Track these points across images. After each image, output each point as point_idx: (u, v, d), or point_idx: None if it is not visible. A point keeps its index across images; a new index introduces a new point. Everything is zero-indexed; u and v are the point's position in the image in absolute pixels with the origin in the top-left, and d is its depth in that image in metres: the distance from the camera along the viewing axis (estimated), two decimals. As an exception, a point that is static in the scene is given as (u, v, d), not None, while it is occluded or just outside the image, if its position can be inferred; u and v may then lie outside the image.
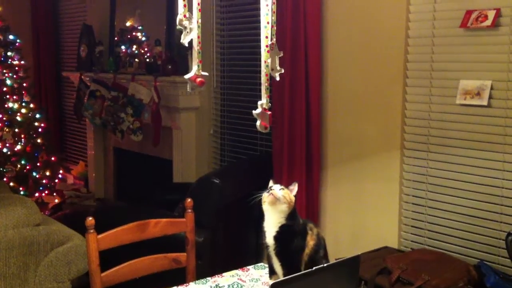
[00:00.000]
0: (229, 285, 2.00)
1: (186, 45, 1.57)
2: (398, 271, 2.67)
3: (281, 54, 1.75)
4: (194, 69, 1.60)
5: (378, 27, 3.15)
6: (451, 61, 2.88)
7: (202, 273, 2.24)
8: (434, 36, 2.93)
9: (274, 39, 1.74)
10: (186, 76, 1.60)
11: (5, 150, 5.05)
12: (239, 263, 2.32)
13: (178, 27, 1.53)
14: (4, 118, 5.09)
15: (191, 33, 1.54)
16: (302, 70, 3.36)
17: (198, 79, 1.61)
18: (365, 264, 2.80)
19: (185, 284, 2.02)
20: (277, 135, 3.53)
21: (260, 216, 1.93)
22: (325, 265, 1.52)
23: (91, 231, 2.05)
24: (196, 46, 1.59)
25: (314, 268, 1.48)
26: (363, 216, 3.32)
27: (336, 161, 3.44)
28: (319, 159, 3.44)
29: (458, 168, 2.90)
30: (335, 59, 3.38)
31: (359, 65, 3.26)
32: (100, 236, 2.07)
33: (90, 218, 2.04)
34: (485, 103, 2.73)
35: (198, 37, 1.58)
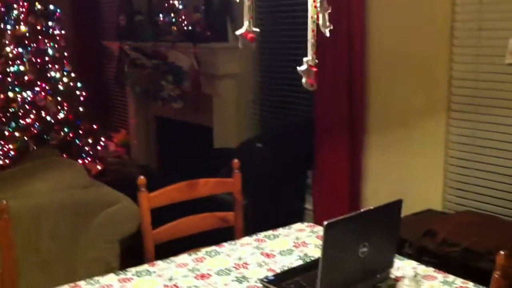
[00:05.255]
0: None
1: (238, 0, 1.56)
2: (444, 232, 2.66)
3: (330, 10, 1.73)
4: (245, 25, 1.60)
5: (424, -14, 3.08)
6: (500, 20, 2.80)
7: (248, 235, 2.26)
8: (482, -7, 2.85)
9: (324, -6, 1.72)
10: (237, 32, 1.60)
11: (48, 118, 5.15)
12: (282, 226, 2.33)
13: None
14: (47, 87, 5.17)
15: (243, -13, 1.54)
16: (345, 30, 3.31)
17: (250, 35, 1.61)
18: (408, 227, 2.78)
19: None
20: (320, 99, 3.52)
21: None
22: (371, 207, 1.65)
23: (143, 189, 2.10)
24: (247, 1, 1.59)
25: (362, 210, 1.65)
26: (407, 179, 3.29)
27: (380, 124, 3.41)
28: (362, 122, 3.41)
29: (506, 129, 2.84)
30: (379, 19, 3.32)
31: (404, 25, 3.19)
32: (152, 194, 2.11)
33: (142, 177, 2.08)
34: (535, 61, 2.66)
35: (250, -9, 1.57)
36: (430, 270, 1.80)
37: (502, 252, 1.48)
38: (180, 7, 4.99)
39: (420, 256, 2.69)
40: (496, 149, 2.89)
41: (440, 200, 3.14)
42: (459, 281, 1.72)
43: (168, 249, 2.17)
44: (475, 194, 3.00)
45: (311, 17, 1.72)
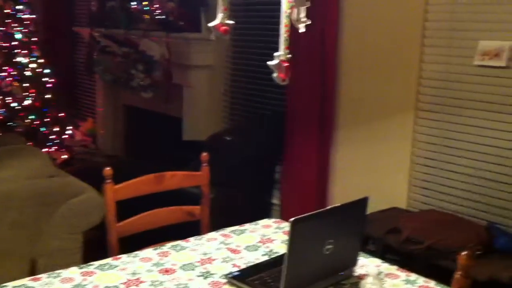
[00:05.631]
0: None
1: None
2: (408, 230, 2.69)
3: (308, 4, 1.72)
4: (219, 17, 1.58)
5: (397, -15, 3.10)
6: (470, 21, 2.84)
7: (215, 229, 2.25)
8: (454, -5, 2.89)
9: (300, -11, 1.71)
10: (211, 24, 1.58)
11: (14, 104, 5.03)
12: (249, 220, 2.33)
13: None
14: (14, 73, 5.05)
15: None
16: (318, 27, 3.31)
17: (223, 27, 1.59)
18: (374, 224, 2.82)
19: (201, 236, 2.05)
20: (291, 94, 3.52)
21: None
22: (338, 205, 1.65)
23: (109, 181, 2.06)
24: (221, -6, 1.57)
25: (328, 207, 1.64)
26: (373, 176, 3.32)
27: (349, 120, 3.43)
28: (332, 118, 3.43)
29: (472, 130, 2.89)
30: (352, 17, 3.34)
31: (377, 24, 3.21)
32: (117, 186, 2.08)
33: (108, 168, 2.04)
34: (503, 64, 2.71)
35: (223, -16, 1.56)
36: (393, 269, 1.81)
37: (464, 253, 1.50)
38: (154, -5, 4.93)
39: (384, 253, 2.72)
40: (461, 149, 2.94)
41: (405, 198, 3.18)
42: (421, 280, 1.74)
43: (133, 243, 2.14)
44: (439, 193, 3.05)
45: (285, 11, 1.71)
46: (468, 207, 2.93)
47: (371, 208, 2.99)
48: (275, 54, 1.73)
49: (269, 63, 1.72)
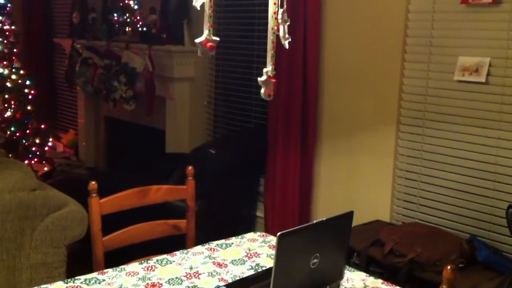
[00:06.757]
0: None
1: (199, 8, 1.56)
2: (391, 243, 2.72)
3: (289, 22, 1.75)
4: (205, 34, 1.60)
5: (379, 0, 3.14)
6: (450, 37, 2.89)
7: (200, 242, 2.25)
8: (434, 11, 2.94)
9: (285, 6, 1.74)
10: (197, 40, 1.60)
11: (-6, 116, 4.98)
12: (233, 233, 2.34)
13: (192, -10, 1.52)
14: (-6, 84, 5.01)
15: (204, -4, 1.54)
16: (300, 42, 3.35)
17: (209, 44, 1.61)
18: (357, 236, 2.84)
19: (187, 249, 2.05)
20: (273, 107, 3.54)
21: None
22: (324, 219, 1.66)
23: (94, 195, 2.06)
24: (207, 10, 1.59)
25: (315, 221, 1.65)
26: (356, 189, 3.35)
27: (331, 134, 3.46)
28: (314, 132, 3.46)
29: (453, 144, 2.93)
30: (334, 32, 3.38)
31: (358, 39, 3.26)
32: (102, 200, 2.07)
33: (93, 182, 2.04)
34: (483, 80, 2.75)
35: (210, 0, 1.57)
36: (378, 282, 1.83)
37: (449, 266, 1.52)
38: (136, 7, 4.94)
39: (368, 266, 2.74)
40: (442, 163, 2.98)
41: (388, 211, 3.21)
42: (406, 293, 1.76)
43: (119, 257, 2.13)
44: (422, 206, 3.08)
45: (271, 28, 1.74)
46: (450, 220, 2.97)
47: (354, 221, 3.01)
48: (264, 70, 1.75)
49: (259, 79, 1.75)
